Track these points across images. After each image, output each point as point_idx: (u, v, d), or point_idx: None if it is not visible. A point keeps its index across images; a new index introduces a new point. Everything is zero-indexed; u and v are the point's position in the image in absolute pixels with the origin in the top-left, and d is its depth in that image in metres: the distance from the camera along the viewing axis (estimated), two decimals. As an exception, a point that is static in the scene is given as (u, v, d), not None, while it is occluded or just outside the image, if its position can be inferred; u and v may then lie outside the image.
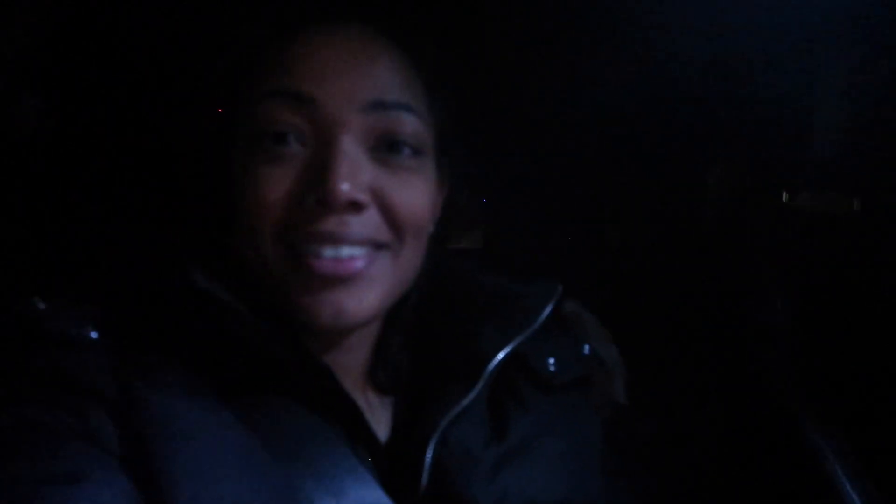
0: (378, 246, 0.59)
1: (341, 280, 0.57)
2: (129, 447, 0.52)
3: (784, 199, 1.57)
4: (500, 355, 0.67)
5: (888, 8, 1.01)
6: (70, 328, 0.56)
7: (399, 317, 0.69)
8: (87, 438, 0.51)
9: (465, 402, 0.64)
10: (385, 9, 0.64)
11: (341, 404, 0.61)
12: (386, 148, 0.60)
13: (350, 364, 0.67)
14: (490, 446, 0.64)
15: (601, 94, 1.52)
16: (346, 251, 0.57)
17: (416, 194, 0.61)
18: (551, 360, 0.70)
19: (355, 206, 0.57)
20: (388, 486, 0.60)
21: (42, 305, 0.57)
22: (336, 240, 0.57)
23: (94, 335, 0.56)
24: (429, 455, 0.61)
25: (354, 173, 0.57)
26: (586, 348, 0.74)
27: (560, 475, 0.66)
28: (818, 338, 1.34)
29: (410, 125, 0.60)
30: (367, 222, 0.58)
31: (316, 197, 0.56)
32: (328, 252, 0.57)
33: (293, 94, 0.58)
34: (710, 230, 1.95)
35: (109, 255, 0.66)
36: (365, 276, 0.58)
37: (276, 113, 0.58)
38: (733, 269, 1.63)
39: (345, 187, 0.55)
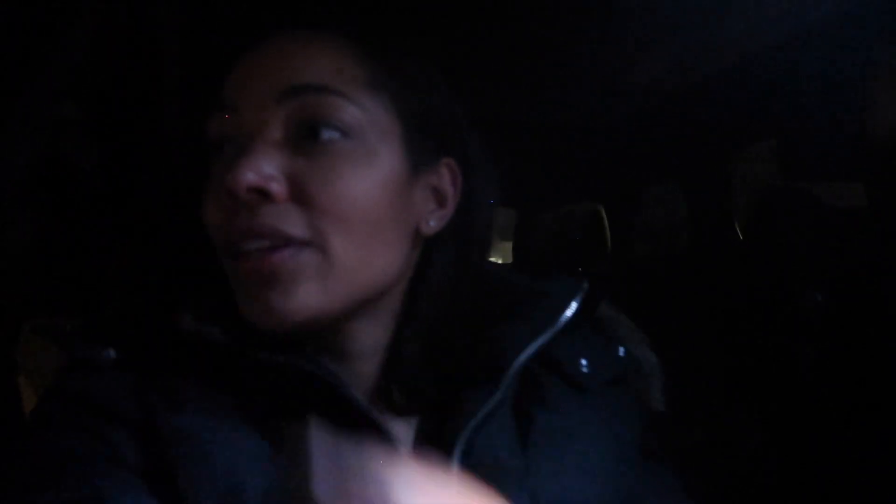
0: (297, 242, 0.56)
1: (265, 278, 0.56)
2: (152, 466, 0.53)
3: (812, 192, 1.55)
4: (523, 356, 0.65)
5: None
6: (92, 351, 0.57)
7: (411, 324, 0.65)
8: (111, 460, 0.52)
9: (489, 406, 0.62)
10: (326, 10, 0.64)
11: (350, 415, 0.59)
12: (307, 133, 0.58)
13: (356, 380, 0.64)
14: (519, 450, 0.63)
15: (617, 96, 1.52)
16: (259, 244, 0.56)
17: (344, 183, 0.57)
18: (584, 361, 0.68)
19: (264, 196, 0.56)
20: None
21: (68, 329, 0.59)
22: (249, 233, 0.56)
23: (114, 357, 0.57)
24: (455, 462, 0.59)
25: (259, 162, 0.55)
26: (621, 350, 0.72)
27: (594, 478, 0.64)
28: (856, 332, 1.32)
29: (335, 107, 0.58)
30: (279, 214, 0.56)
31: (227, 191, 0.56)
32: (248, 247, 0.56)
33: (221, 104, 0.59)
34: (742, 229, 1.93)
35: (122, 287, 0.67)
36: (290, 272, 0.56)
37: (214, 124, 0.60)
38: (768, 267, 1.61)
39: (245, 175, 0.54)
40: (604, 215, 2.05)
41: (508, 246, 2.02)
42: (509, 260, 2.10)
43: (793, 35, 1.25)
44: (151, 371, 0.57)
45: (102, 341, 0.58)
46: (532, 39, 1.25)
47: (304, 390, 0.58)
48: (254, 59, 0.60)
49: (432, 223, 0.65)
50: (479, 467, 0.59)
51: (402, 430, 0.64)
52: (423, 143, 0.63)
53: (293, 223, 0.56)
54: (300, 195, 0.56)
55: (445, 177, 0.66)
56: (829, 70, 1.30)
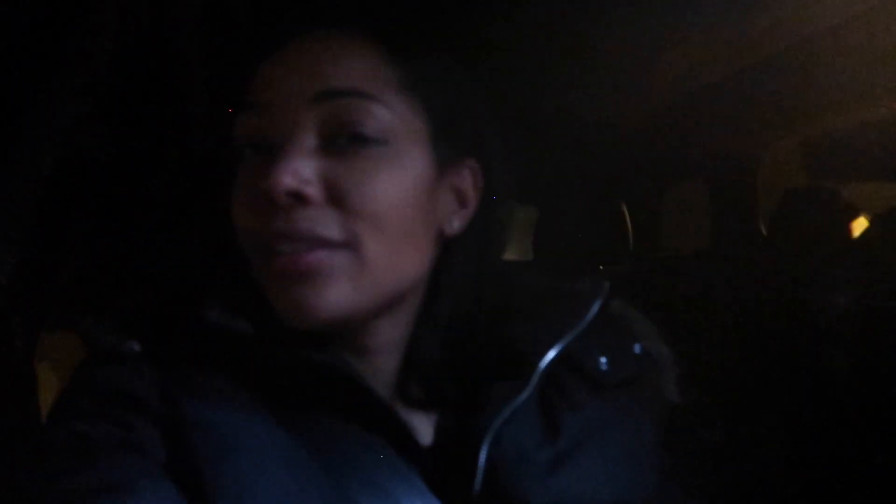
0: (332, 244, 0.57)
1: (299, 277, 0.57)
2: (174, 456, 0.54)
3: (839, 192, 1.52)
4: (552, 353, 0.65)
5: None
6: (116, 343, 0.59)
7: (430, 321, 0.66)
8: (133, 449, 0.53)
9: (520, 400, 0.63)
10: (356, 12, 0.64)
11: (371, 409, 0.60)
12: (342, 138, 0.58)
13: (375, 375, 0.65)
14: (543, 447, 0.63)
15: (641, 92, 1.50)
16: (295, 246, 0.57)
17: (379, 186, 0.58)
18: (603, 360, 0.68)
19: (300, 199, 0.56)
20: (437, 490, 0.60)
21: (91, 321, 0.60)
22: (284, 236, 0.57)
23: (137, 349, 0.59)
24: (483, 456, 0.60)
25: (297, 166, 0.56)
26: (637, 347, 0.72)
27: (614, 475, 0.64)
28: (881, 336, 1.29)
29: (368, 111, 0.58)
30: (316, 217, 0.57)
31: (264, 194, 0.56)
32: (282, 248, 0.57)
33: (251, 103, 0.60)
34: (767, 229, 1.90)
35: (147, 280, 0.68)
36: (323, 272, 0.57)
37: (243, 124, 0.60)
38: (793, 268, 1.59)
39: (283, 179, 0.55)
40: (626, 213, 2.04)
41: (530, 243, 2.02)
42: (530, 257, 2.09)
43: (819, 32, 1.23)
44: (174, 363, 0.59)
45: (126, 333, 0.60)
46: (555, 36, 1.25)
47: (325, 385, 0.59)
48: (283, 60, 0.61)
49: (455, 223, 0.66)
50: (505, 460, 0.61)
51: (422, 424, 0.66)
52: (449, 144, 0.64)
53: (329, 226, 0.57)
54: (335, 198, 0.57)
55: (467, 177, 0.66)
56: (858, 67, 1.28)
